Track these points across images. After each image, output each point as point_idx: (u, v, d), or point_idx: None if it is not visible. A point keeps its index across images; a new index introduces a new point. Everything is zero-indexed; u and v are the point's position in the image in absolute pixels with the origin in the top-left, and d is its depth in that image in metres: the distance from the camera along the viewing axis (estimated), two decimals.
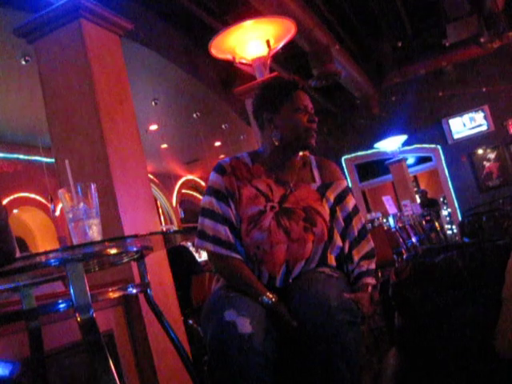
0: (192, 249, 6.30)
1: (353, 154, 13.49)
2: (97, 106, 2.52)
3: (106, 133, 2.52)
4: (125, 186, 2.51)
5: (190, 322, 3.77)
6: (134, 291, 1.64)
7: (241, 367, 1.60)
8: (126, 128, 2.70)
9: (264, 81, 2.09)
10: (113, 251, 1.48)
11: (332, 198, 2.01)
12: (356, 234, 2.00)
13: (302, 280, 1.83)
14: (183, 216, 13.41)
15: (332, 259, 1.97)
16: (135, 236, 1.61)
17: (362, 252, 1.99)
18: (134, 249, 1.56)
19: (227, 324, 1.64)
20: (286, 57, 8.67)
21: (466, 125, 12.77)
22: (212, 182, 1.99)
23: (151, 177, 11.96)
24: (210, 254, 1.94)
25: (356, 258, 1.97)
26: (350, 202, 2.03)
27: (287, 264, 1.87)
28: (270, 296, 1.78)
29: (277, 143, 1.96)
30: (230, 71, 7.92)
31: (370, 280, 1.95)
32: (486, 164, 12.62)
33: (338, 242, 1.98)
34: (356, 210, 2.04)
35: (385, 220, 8.57)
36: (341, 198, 2.03)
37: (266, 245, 1.87)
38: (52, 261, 1.35)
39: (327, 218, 1.97)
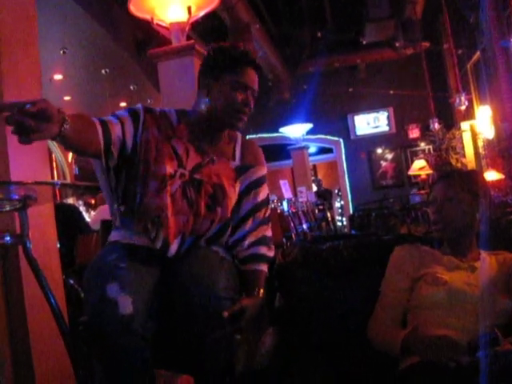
0: (82, 208, 6.12)
1: (257, 135, 13.60)
2: None
3: (5, 73, 2.36)
4: None
5: (71, 281, 3.66)
6: (11, 241, 1.55)
7: (118, 347, 1.56)
8: (27, 72, 2.53)
9: (217, 44, 1.87)
10: None
11: (247, 182, 1.92)
12: (258, 222, 1.92)
13: (194, 257, 1.76)
14: (77, 173, 12.97)
15: (225, 238, 1.89)
16: (19, 183, 1.51)
17: (258, 235, 1.91)
18: (17, 197, 1.47)
19: (108, 302, 1.57)
20: (206, 28, 8.54)
21: (369, 123, 13.25)
22: (132, 107, 1.83)
23: None
24: None
25: (252, 239, 1.89)
26: (262, 192, 1.95)
27: (182, 236, 1.78)
28: None
29: (204, 110, 1.83)
30: (146, 32, 7.71)
31: (264, 267, 1.88)
32: (383, 163, 13.18)
33: (238, 225, 1.90)
34: (266, 201, 1.97)
35: (279, 203, 8.73)
36: (255, 185, 1.93)
37: (169, 211, 1.76)
38: None
39: (234, 200, 1.88)
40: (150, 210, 1.76)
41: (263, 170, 1.97)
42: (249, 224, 1.91)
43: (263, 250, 1.90)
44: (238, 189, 1.89)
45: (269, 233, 1.95)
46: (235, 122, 1.85)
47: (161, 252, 1.76)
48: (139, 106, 1.85)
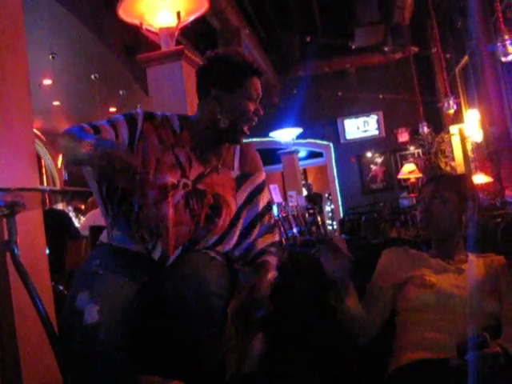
0: (72, 214, 6.09)
1: (248, 140, 13.58)
2: None
3: None
4: (5, 138, 2.36)
5: (61, 288, 3.63)
6: None
7: (85, 358, 1.53)
8: (16, 78, 2.53)
9: (222, 52, 1.85)
10: None
11: (249, 190, 1.90)
12: (264, 228, 1.90)
13: (184, 260, 1.74)
14: (67, 178, 12.90)
15: (223, 248, 1.86)
16: (7, 189, 1.50)
17: (266, 242, 1.88)
18: (3, 203, 1.46)
19: (75, 312, 1.55)
20: (196, 32, 8.55)
21: (359, 127, 13.29)
22: (131, 112, 1.80)
23: (38, 133, 11.39)
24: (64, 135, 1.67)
25: (259, 247, 1.87)
26: (264, 199, 1.93)
27: (183, 246, 1.76)
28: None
29: (224, 125, 1.80)
30: (135, 37, 7.69)
31: (272, 259, 1.84)
32: (373, 167, 13.22)
33: (245, 234, 1.88)
34: (269, 207, 1.95)
35: None
36: (257, 192, 1.91)
37: (169, 222, 1.73)
38: None
39: (234, 211, 1.85)
40: (149, 220, 1.73)
41: (262, 176, 1.96)
42: (255, 232, 1.88)
43: (270, 259, 1.86)
44: (241, 198, 1.87)
45: (276, 238, 1.93)
46: (238, 136, 1.86)
47: (159, 262, 1.74)
48: (139, 110, 1.82)
